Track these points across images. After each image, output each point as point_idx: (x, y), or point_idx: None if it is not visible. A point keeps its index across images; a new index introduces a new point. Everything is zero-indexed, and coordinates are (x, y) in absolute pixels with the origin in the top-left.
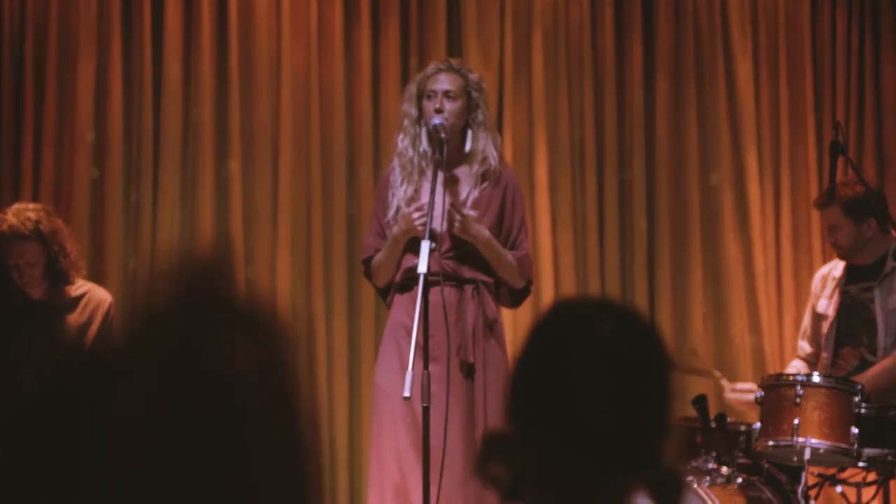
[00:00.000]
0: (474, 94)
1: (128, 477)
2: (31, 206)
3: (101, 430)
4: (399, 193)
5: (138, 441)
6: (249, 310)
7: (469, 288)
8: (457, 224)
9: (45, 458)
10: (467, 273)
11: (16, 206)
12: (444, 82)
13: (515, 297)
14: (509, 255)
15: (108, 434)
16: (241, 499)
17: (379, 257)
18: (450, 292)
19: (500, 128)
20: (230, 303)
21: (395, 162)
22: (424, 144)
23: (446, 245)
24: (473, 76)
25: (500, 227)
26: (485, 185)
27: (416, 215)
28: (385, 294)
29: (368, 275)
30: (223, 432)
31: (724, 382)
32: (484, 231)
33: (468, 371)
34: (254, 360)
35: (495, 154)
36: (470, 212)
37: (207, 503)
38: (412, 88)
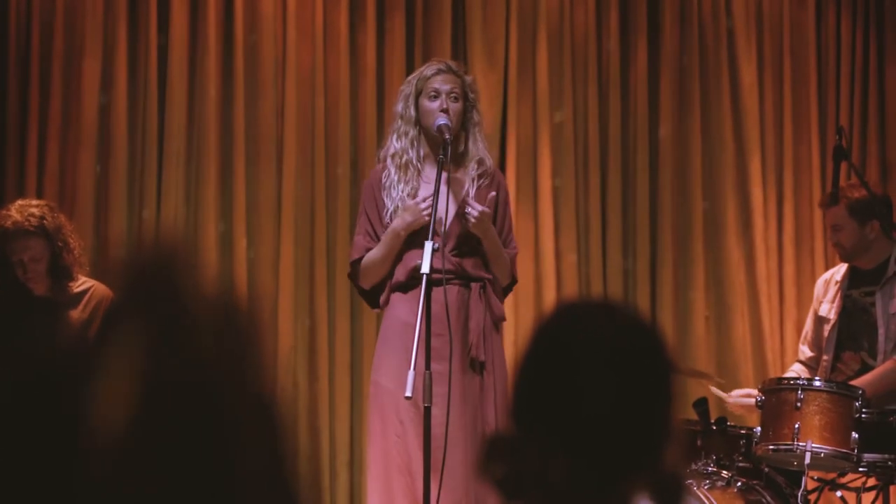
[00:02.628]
0: (471, 96)
1: (95, 481)
2: (34, 202)
3: (69, 431)
4: (396, 193)
5: (106, 444)
6: (208, 299)
7: (476, 286)
8: (472, 219)
9: (17, 458)
10: (473, 271)
11: (19, 202)
12: (447, 82)
13: (503, 294)
14: (506, 253)
15: (76, 435)
16: (218, 499)
17: (373, 255)
18: (457, 291)
19: (504, 130)
20: (186, 293)
21: (389, 162)
22: (423, 145)
23: (451, 244)
24: (468, 78)
25: (495, 227)
26: (482, 183)
27: (423, 205)
28: (370, 296)
29: (354, 276)
30: (191, 427)
31: (719, 392)
32: (493, 227)
33: (479, 369)
34: (217, 349)
35: (489, 155)
36: (484, 208)
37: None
38: (408, 89)
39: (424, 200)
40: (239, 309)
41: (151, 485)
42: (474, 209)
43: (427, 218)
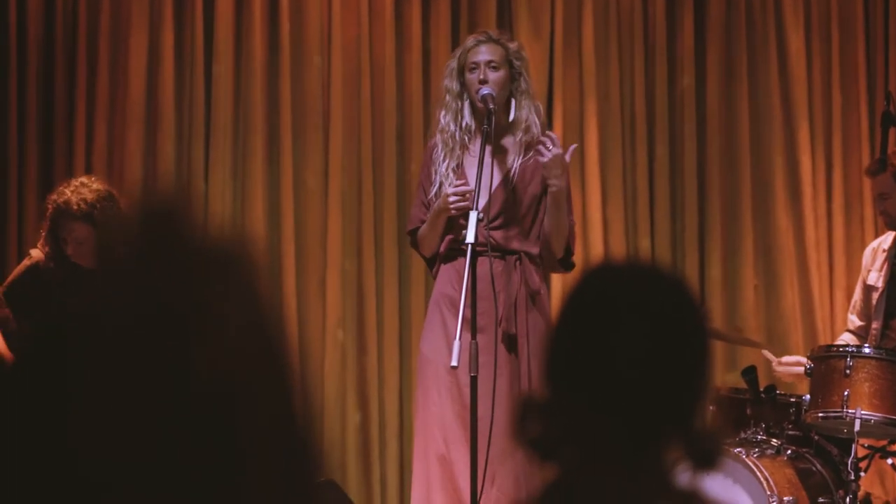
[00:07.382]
0: (516, 63)
1: (100, 444)
2: (94, 185)
3: (71, 393)
4: (441, 169)
5: (109, 406)
6: (214, 249)
7: (512, 259)
8: (549, 154)
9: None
10: (512, 244)
11: (82, 179)
12: (485, 53)
13: (558, 266)
14: (566, 219)
15: (78, 397)
16: (226, 460)
17: (423, 229)
18: (495, 263)
19: (550, 100)
20: (190, 243)
21: (438, 138)
22: (467, 118)
23: (492, 215)
24: (513, 45)
25: (544, 198)
26: (529, 154)
27: (452, 199)
28: (432, 264)
29: (415, 245)
30: (198, 384)
31: (770, 356)
32: (567, 179)
33: (511, 342)
34: (225, 300)
35: (538, 123)
36: (558, 149)
37: (190, 472)
38: (453, 63)
39: (456, 194)
40: (244, 256)
41: (150, 441)
42: (552, 147)
43: (454, 212)
